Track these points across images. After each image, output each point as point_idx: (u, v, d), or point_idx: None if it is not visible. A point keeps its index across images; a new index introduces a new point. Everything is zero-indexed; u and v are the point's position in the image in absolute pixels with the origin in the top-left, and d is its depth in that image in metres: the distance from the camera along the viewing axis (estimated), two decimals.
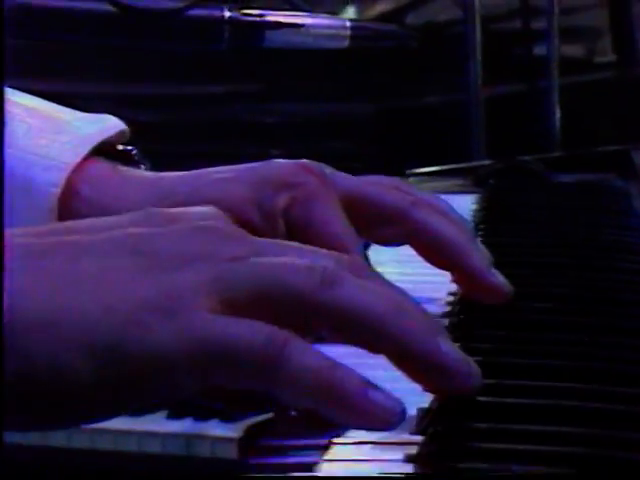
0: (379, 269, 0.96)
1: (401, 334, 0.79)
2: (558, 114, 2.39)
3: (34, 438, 1.01)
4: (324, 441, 0.80)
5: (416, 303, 0.85)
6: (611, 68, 2.84)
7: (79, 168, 1.20)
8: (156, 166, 1.24)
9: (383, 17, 3.04)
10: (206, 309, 0.76)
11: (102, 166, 1.23)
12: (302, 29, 1.92)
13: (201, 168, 1.19)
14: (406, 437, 0.79)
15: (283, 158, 1.18)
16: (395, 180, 1.13)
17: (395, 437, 0.79)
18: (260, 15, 1.86)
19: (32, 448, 1.02)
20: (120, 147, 1.28)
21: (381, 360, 0.83)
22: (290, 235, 1.12)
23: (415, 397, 0.84)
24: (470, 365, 0.81)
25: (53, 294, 0.75)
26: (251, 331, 0.75)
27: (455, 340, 0.93)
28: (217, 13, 1.83)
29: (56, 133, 1.24)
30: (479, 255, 1.10)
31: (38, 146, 1.22)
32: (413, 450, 0.77)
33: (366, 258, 1.11)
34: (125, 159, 1.27)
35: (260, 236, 0.95)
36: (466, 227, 1.14)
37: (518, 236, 1.47)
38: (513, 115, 2.48)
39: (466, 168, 1.82)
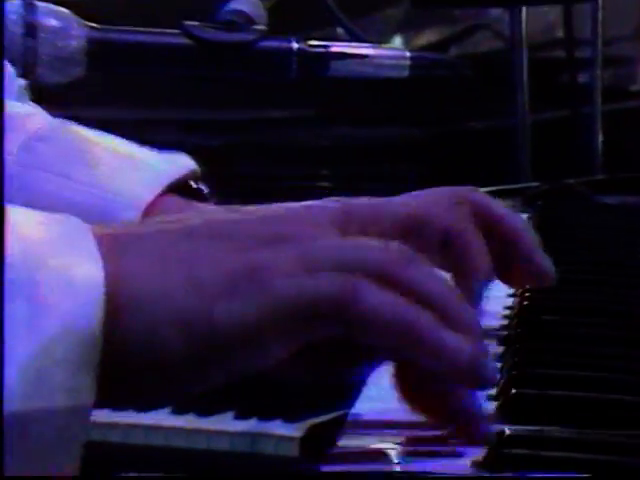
0: None
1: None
2: (600, 139, 2.38)
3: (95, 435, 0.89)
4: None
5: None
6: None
7: (154, 204, 1.22)
8: (225, 184, 1.26)
9: (430, 47, 3.06)
10: (289, 276, 0.77)
11: (175, 202, 1.24)
12: (365, 59, 1.93)
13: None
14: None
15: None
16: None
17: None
18: (325, 46, 1.86)
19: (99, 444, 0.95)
20: (192, 184, 1.29)
21: None
22: None
23: None
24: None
25: (152, 276, 0.76)
26: (325, 281, 0.76)
27: (513, 353, 0.97)
28: (286, 45, 1.83)
29: (133, 172, 1.25)
30: (533, 237, 1.02)
31: (117, 185, 1.23)
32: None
33: None
34: (196, 195, 1.28)
35: None
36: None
37: (569, 254, 1.46)
38: (558, 140, 2.47)
39: (516, 189, 1.82)
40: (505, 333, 1.10)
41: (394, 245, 0.83)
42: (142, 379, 0.77)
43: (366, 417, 0.93)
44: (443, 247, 0.98)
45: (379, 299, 0.77)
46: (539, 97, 2.40)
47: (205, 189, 1.29)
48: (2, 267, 0.70)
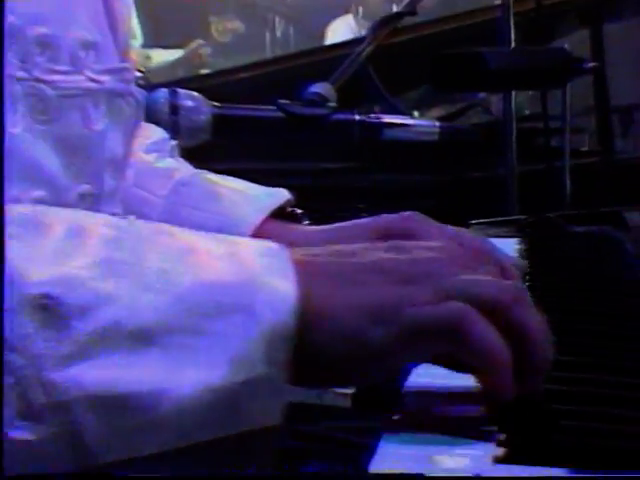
0: None
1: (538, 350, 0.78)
2: (568, 185, 2.37)
3: None
4: None
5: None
6: (598, 154, 2.85)
7: (260, 226, 1.21)
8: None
9: (440, 118, 3.06)
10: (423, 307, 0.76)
11: (274, 224, 1.23)
12: (406, 128, 1.94)
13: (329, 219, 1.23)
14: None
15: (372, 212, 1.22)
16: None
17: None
18: (378, 117, 1.88)
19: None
20: (288, 210, 1.28)
21: None
22: None
23: None
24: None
25: (331, 298, 0.76)
26: (445, 307, 0.75)
27: None
28: (350, 117, 1.85)
29: (245, 203, 1.25)
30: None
31: (234, 213, 1.23)
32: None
33: None
34: (292, 218, 1.28)
35: None
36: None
37: (548, 267, 1.47)
38: (537, 185, 2.47)
39: (509, 221, 1.83)
40: None
41: (509, 284, 0.82)
42: (319, 370, 0.78)
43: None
44: None
45: (484, 333, 0.76)
46: (523, 155, 2.41)
47: (299, 212, 1.29)
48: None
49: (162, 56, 5.30)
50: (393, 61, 2.26)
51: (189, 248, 0.75)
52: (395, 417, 0.83)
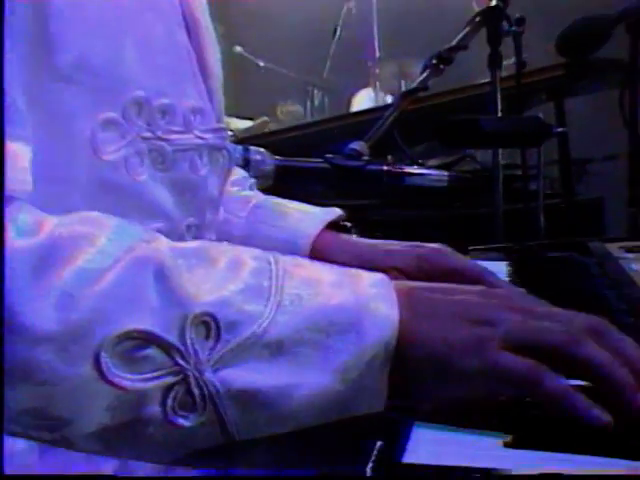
0: None
1: (612, 384, 0.71)
2: (542, 220, 2.35)
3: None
4: None
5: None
6: (562, 196, 2.83)
7: (318, 236, 1.22)
8: None
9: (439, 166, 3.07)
10: (499, 347, 0.73)
11: (331, 235, 1.24)
12: (423, 176, 1.94)
13: None
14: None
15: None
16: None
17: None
18: (401, 168, 1.89)
19: None
20: (341, 223, 1.29)
21: None
22: None
23: None
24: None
25: (425, 327, 0.74)
26: (522, 363, 0.72)
27: None
28: (380, 167, 1.85)
29: (306, 218, 1.25)
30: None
31: (297, 226, 1.23)
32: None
33: None
34: (344, 230, 1.28)
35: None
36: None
37: (535, 285, 1.35)
38: (519, 220, 2.45)
39: (500, 247, 1.81)
40: None
41: (578, 323, 0.76)
42: (406, 384, 0.75)
43: None
44: None
45: (555, 387, 0.72)
46: (507, 197, 2.39)
47: (349, 225, 1.29)
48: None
49: (237, 124, 5.38)
50: (410, 123, 2.23)
51: (317, 278, 0.75)
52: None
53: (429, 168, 2.33)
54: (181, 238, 0.96)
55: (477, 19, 2.36)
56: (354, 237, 1.26)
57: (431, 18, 6.12)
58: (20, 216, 0.69)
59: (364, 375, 0.72)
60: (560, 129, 2.48)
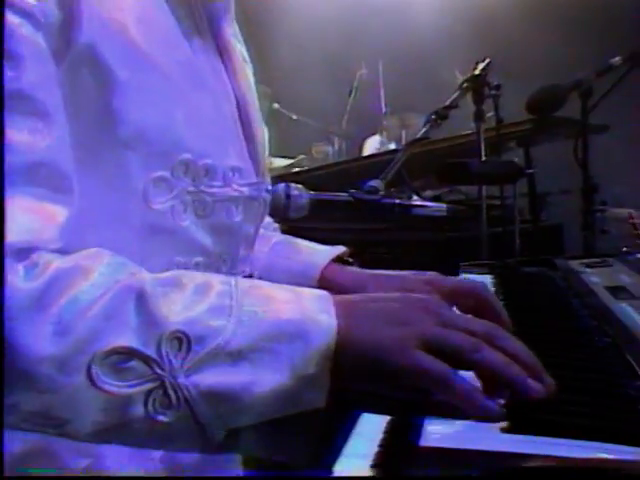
0: None
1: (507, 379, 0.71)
2: (518, 241, 2.32)
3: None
4: None
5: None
6: (531, 222, 2.80)
7: (326, 267, 1.16)
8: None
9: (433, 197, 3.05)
10: (417, 347, 0.70)
11: (337, 267, 1.18)
12: (426, 208, 1.91)
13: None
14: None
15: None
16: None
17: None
18: (409, 199, 1.87)
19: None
20: (345, 258, 1.23)
21: None
22: None
23: None
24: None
25: (360, 330, 0.71)
26: (437, 365, 0.69)
27: None
28: (392, 200, 1.82)
29: (316, 253, 1.20)
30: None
31: (309, 259, 1.18)
32: None
33: None
34: (348, 263, 1.22)
35: None
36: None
37: (514, 294, 1.40)
38: (499, 242, 2.39)
39: (485, 263, 1.77)
40: None
41: (477, 328, 0.75)
42: (350, 373, 0.72)
43: None
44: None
45: (461, 388, 0.70)
46: (490, 223, 2.35)
47: (351, 260, 1.23)
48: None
49: (279, 162, 5.44)
50: (413, 164, 2.20)
51: (270, 296, 0.73)
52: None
53: (430, 201, 2.34)
54: (218, 270, 0.94)
55: (465, 85, 2.35)
56: (356, 268, 1.21)
57: (425, 82, 6.15)
58: (34, 260, 0.68)
59: (310, 374, 0.70)
60: (530, 170, 2.50)
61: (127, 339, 0.66)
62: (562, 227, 2.93)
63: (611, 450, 0.66)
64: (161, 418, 0.67)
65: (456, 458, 0.67)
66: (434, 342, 0.72)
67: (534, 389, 0.72)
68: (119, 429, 0.68)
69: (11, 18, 0.68)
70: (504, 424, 0.71)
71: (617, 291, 1.30)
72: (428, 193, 3.06)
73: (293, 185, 1.65)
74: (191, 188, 0.86)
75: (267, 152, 1.08)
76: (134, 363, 0.66)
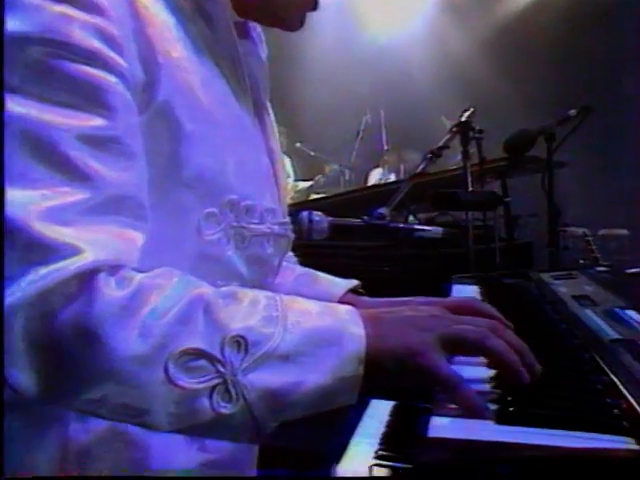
0: None
1: (504, 362, 0.72)
2: (498, 256, 2.30)
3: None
4: None
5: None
6: (507, 240, 2.78)
7: (342, 297, 1.13)
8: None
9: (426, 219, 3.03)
10: (436, 348, 0.71)
11: (351, 296, 1.14)
12: (426, 231, 1.89)
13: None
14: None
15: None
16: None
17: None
18: (414, 224, 1.86)
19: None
20: (358, 289, 1.18)
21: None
22: None
23: None
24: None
25: (386, 337, 0.71)
26: (448, 369, 0.70)
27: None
28: (397, 225, 1.82)
29: (333, 284, 1.16)
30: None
31: (327, 290, 1.14)
32: None
33: None
34: (360, 294, 1.17)
35: None
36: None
37: (497, 301, 1.33)
38: (484, 258, 2.36)
39: (473, 275, 1.74)
40: None
41: (484, 324, 0.76)
42: (378, 378, 0.73)
43: None
44: None
45: (464, 391, 0.70)
46: (475, 241, 2.32)
47: (363, 291, 1.19)
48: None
49: (303, 184, 5.49)
50: (411, 192, 2.18)
51: (308, 309, 0.72)
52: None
53: (425, 223, 2.33)
54: None
55: (454, 129, 2.34)
56: (368, 298, 1.16)
57: (418, 125, 6.17)
58: (122, 275, 0.68)
59: (345, 375, 0.69)
60: (507, 199, 2.49)
61: (197, 342, 0.66)
62: (532, 245, 2.90)
63: (586, 438, 0.65)
64: (223, 410, 0.66)
65: (456, 447, 0.65)
66: (453, 338, 0.72)
67: (524, 377, 0.72)
68: (187, 419, 0.67)
69: (108, 77, 0.68)
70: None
71: (581, 299, 1.28)
72: (422, 215, 3.06)
73: (314, 212, 1.64)
74: (234, 223, 0.85)
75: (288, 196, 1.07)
76: (202, 362, 0.66)
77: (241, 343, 0.66)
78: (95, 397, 0.65)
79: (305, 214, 1.61)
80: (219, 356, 0.66)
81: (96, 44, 0.67)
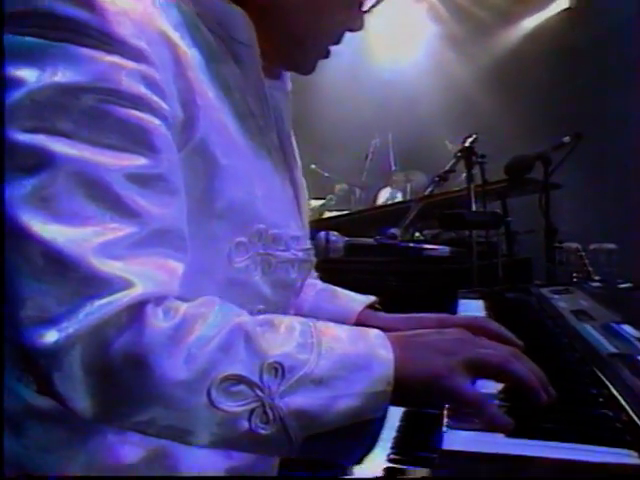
0: None
1: (526, 385, 0.70)
2: (500, 271, 2.29)
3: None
4: None
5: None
6: (508, 256, 2.75)
7: (360, 312, 1.09)
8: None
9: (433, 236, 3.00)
10: (460, 371, 0.69)
11: (369, 312, 1.11)
12: (434, 250, 1.87)
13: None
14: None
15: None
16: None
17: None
18: (423, 243, 1.84)
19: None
20: (375, 305, 1.14)
21: None
22: None
23: None
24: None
25: (412, 361, 0.69)
26: (474, 393, 0.68)
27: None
28: (407, 244, 1.81)
29: (352, 300, 1.12)
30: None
31: (347, 306, 1.11)
32: None
33: None
34: (377, 310, 1.13)
35: None
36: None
37: (500, 314, 1.36)
38: (487, 273, 2.33)
39: (477, 290, 1.73)
40: None
41: (506, 350, 0.73)
42: (406, 399, 0.71)
43: None
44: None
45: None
46: (479, 257, 2.30)
47: (379, 307, 1.15)
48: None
49: (315, 202, 5.51)
50: (419, 211, 2.16)
51: (341, 336, 0.70)
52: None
53: (434, 241, 2.31)
54: (273, 312, 0.89)
55: (458, 154, 2.32)
56: (385, 314, 1.12)
57: (423, 147, 6.17)
58: (168, 305, 0.67)
59: (374, 395, 0.67)
60: (509, 218, 2.47)
61: (237, 368, 0.65)
62: (531, 260, 2.87)
63: (591, 451, 0.64)
64: (261, 431, 0.65)
65: (471, 458, 0.65)
66: (477, 362, 0.70)
67: (544, 398, 0.70)
68: (227, 439, 0.66)
69: (153, 119, 0.68)
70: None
71: (579, 314, 1.26)
72: (427, 232, 3.04)
73: (331, 232, 1.63)
74: (261, 251, 0.84)
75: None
76: (242, 387, 0.65)
77: (278, 369, 0.66)
78: (144, 419, 0.65)
79: (323, 234, 1.60)
80: (258, 381, 0.65)
81: (142, 90, 0.67)
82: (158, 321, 0.64)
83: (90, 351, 0.61)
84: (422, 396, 0.70)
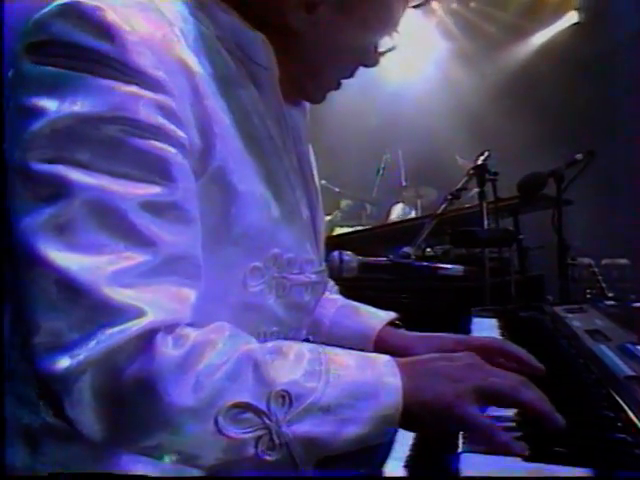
0: None
1: (540, 412, 0.71)
2: (513, 289, 2.29)
3: None
4: None
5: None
6: (520, 273, 2.73)
7: (381, 330, 1.10)
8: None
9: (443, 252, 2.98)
10: (470, 399, 0.69)
11: (390, 329, 1.11)
12: (449, 269, 1.87)
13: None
14: None
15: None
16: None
17: None
18: (434, 262, 1.84)
19: None
20: (396, 322, 1.15)
21: None
22: None
23: None
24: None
25: (421, 388, 0.70)
26: (483, 421, 0.69)
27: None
28: (421, 264, 1.81)
29: (372, 317, 1.13)
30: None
31: (367, 322, 1.11)
32: None
33: None
34: (398, 327, 1.14)
35: None
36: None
37: (515, 334, 1.36)
38: (499, 290, 2.31)
39: (491, 308, 1.71)
40: None
41: (514, 378, 0.74)
42: (415, 422, 0.71)
43: None
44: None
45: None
46: (491, 275, 2.28)
47: (401, 324, 1.15)
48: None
49: (325, 218, 5.51)
50: (433, 230, 2.14)
51: (349, 364, 0.71)
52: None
53: (445, 257, 2.30)
54: (286, 335, 0.91)
55: (471, 172, 2.32)
56: (406, 331, 1.14)
57: (434, 163, 6.17)
58: (178, 333, 0.68)
59: (381, 424, 0.68)
60: (521, 236, 2.47)
61: (245, 396, 0.65)
62: (543, 277, 2.86)
63: (615, 478, 0.64)
64: (267, 458, 0.66)
65: None
66: (486, 391, 0.70)
67: (559, 422, 0.71)
68: (234, 463, 0.67)
69: (169, 148, 0.69)
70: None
71: (594, 334, 1.24)
72: (438, 248, 3.03)
73: (344, 252, 1.63)
74: (276, 274, 0.84)
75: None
76: (249, 415, 0.65)
77: (285, 397, 0.66)
78: (152, 444, 0.65)
79: (336, 254, 1.60)
80: (265, 409, 0.65)
81: (160, 119, 0.68)
82: (168, 349, 0.65)
83: (100, 378, 0.62)
84: (431, 424, 0.70)
